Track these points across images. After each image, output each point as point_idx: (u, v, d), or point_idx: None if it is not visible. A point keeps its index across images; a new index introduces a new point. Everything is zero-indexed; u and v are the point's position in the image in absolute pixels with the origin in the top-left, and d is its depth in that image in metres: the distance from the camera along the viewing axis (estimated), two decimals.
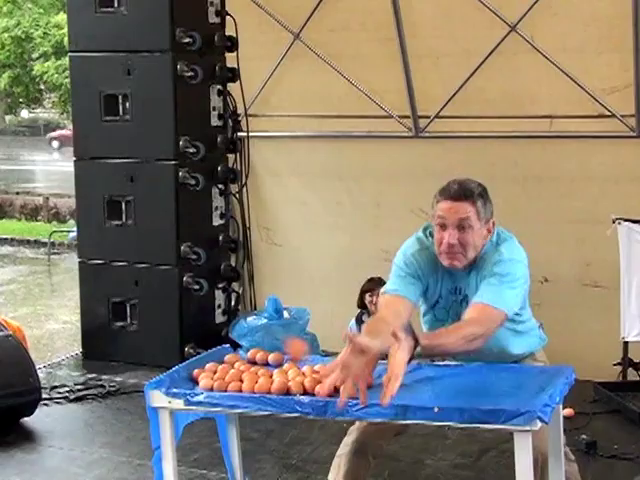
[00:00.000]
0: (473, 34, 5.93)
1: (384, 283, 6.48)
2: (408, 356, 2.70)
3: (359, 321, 6.46)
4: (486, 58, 5.88)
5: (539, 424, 2.59)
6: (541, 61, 5.72)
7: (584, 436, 4.52)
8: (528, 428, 2.58)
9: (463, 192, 3.06)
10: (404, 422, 2.77)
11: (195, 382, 3.00)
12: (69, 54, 6.20)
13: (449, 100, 6.11)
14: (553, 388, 2.78)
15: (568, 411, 4.64)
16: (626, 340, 5.44)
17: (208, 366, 3.08)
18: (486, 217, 3.09)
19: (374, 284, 6.27)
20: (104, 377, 5.74)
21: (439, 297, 3.20)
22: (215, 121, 6.18)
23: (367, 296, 6.37)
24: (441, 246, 3.07)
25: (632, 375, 5.57)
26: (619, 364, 5.51)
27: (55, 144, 35.14)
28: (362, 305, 6.45)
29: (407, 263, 3.17)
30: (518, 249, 3.15)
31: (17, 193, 23.99)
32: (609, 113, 5.72)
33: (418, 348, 2.76)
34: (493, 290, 3.01)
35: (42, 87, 29.95)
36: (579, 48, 5.67)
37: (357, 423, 3.19)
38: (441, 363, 3.14)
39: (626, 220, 5.38)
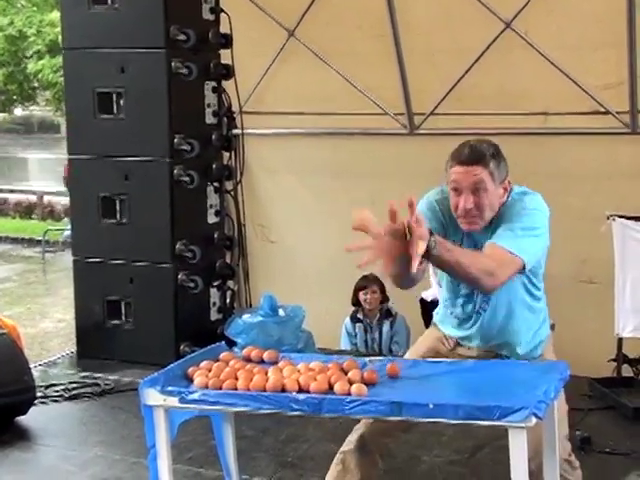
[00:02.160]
0: (468, 31, 5.93)
1: (378, 280, 6.53)
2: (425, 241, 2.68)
3: (354, 319, 6.47)
4: (481, 55, 5.88)
5: (534, 420, 2.59)
6: (536, 57, 5.72)
7: (579, 432, 4.53)
8: (523, 425, 2.58)
9: (475, 156, 3.01)
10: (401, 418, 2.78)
11: (190, 380, 3.00)
12: (63, 51, 6.18)
13: (444, 97, 6.11)
14: (548, 384, 2.78)
15: None
16: (620, 336, 5.44)
17: (203, 364, 3.07)
18: (501, 177, 3.04)
19: (368, 282, 6.28)
20: (99, 375, 5.73)
21: None
22: (210, 118, 6.17)
23: (361, 294, 6.37)
24: (457, 210, 3.02)
25: (627, 371, 5.57)
26: (614, 360, 5.52)
27: None
28: (357, 303, 6.45)
29: (429, 207, 3.13)
30: (542, 202, 3.09)
31: (11, 191, 23.90)
32: (603, 109, 5.72)
33: (433, 242, 2.72)
34: (510, 235, 2.95)
35: (36, 85, 29.86)
36: (574, 44, 5.67)
37: (363, 421, 3.18)
38: (436, 360, 3.14)
39: (620, 217, 5.39)
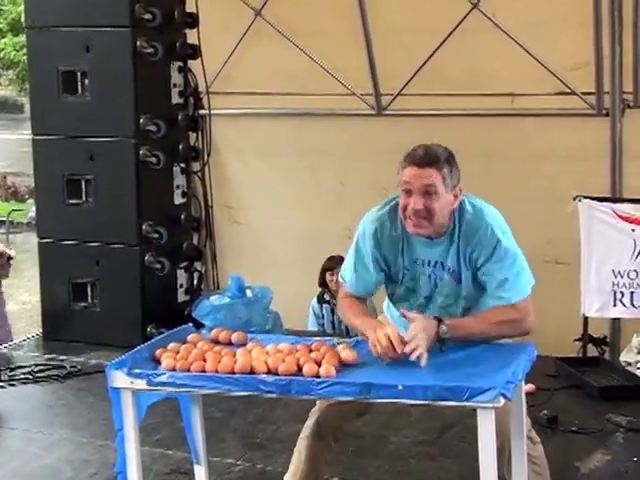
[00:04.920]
0: (436, 11, 5.92)
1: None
2: (429, 330, 2.88)
3: (320, 300, 6.47)
4: (448, 35, 5.88)
5: (502, 401, 2.61)
6: (504, 39, 5.72)
7: (545, 411, 4.57)
8: (491, 405, 2.60)
9: (429, 158, 2.99)
10: (367, 401, 2.78)
11: (157, 362, 2.97)
12: (26, 30, 6.09)
13: (411, 78, 6.10)
14: (516, 365, 2.80)
15: (529, 387, 4.68)
16: (586, 316, 5.50)
17: (170, 346, 3.05)
18: (452, 183, 3.01)
19: (335, 262, 6.27)
20: (65, 358, 5.68)
21: (404, 271, 3.13)
22: (176, 98, 6.12)
23: (328, 275, 6.37)
24: (406, 211, 3.00)
25: (592, 351, 5.63)
26: (579, 340, 5.57)
27: None
28: (323, 284, 6.45)
29: (373, 238, 3.12)
30: (499, 215, 3.14)
31: None
32: (570, 91, 5.74)
33: (444, 328, 2.90)
34: (509, 287, 3.06)
35: None
36: (541, 25, 5.67)
37: (318, 405, 3.18)
38: None
39: (586, 197, 5.43)
